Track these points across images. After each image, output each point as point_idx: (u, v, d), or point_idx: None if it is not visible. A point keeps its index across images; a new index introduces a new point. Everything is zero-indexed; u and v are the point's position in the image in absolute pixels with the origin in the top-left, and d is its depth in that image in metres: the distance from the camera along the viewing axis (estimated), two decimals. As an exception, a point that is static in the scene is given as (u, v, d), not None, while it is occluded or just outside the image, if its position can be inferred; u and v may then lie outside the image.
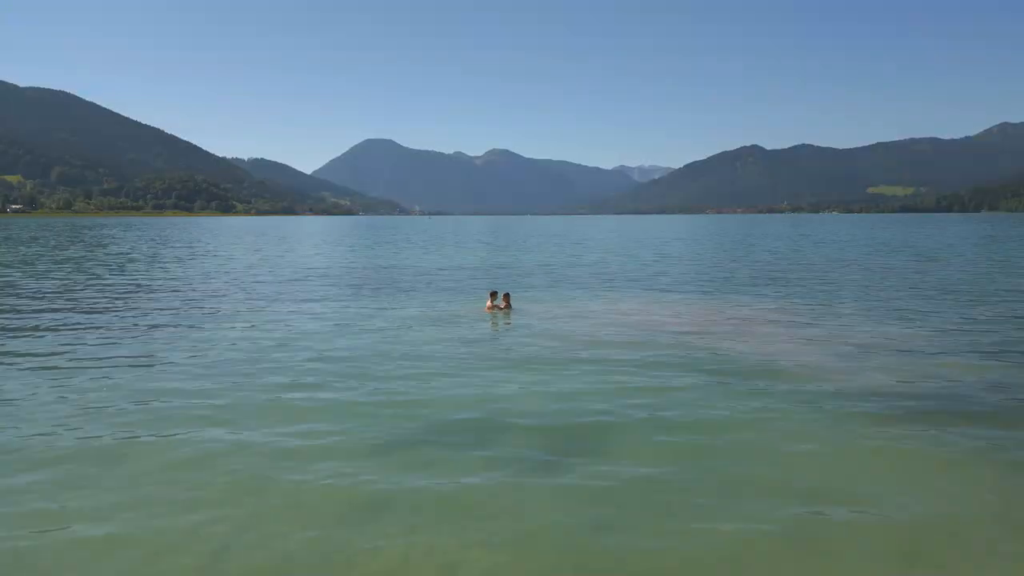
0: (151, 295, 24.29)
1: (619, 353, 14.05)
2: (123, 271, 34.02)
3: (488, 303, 19.32)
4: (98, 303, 22.26)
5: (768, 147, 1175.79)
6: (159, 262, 40.09)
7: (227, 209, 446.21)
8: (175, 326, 17.80)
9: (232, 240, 76.03)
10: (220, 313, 20.07)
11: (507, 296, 19.46)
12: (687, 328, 17.06)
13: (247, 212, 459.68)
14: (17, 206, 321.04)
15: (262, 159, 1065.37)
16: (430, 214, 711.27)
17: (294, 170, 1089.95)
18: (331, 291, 25.24)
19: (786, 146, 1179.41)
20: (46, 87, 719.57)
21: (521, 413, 10.20)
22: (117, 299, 23.18)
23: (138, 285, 27.73)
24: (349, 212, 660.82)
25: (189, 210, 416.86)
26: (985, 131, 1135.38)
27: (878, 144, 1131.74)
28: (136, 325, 18.07)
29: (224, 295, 24.09)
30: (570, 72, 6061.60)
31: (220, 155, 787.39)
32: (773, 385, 11.71)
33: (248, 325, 17.73)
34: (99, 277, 30.85)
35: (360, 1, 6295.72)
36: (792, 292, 24.98)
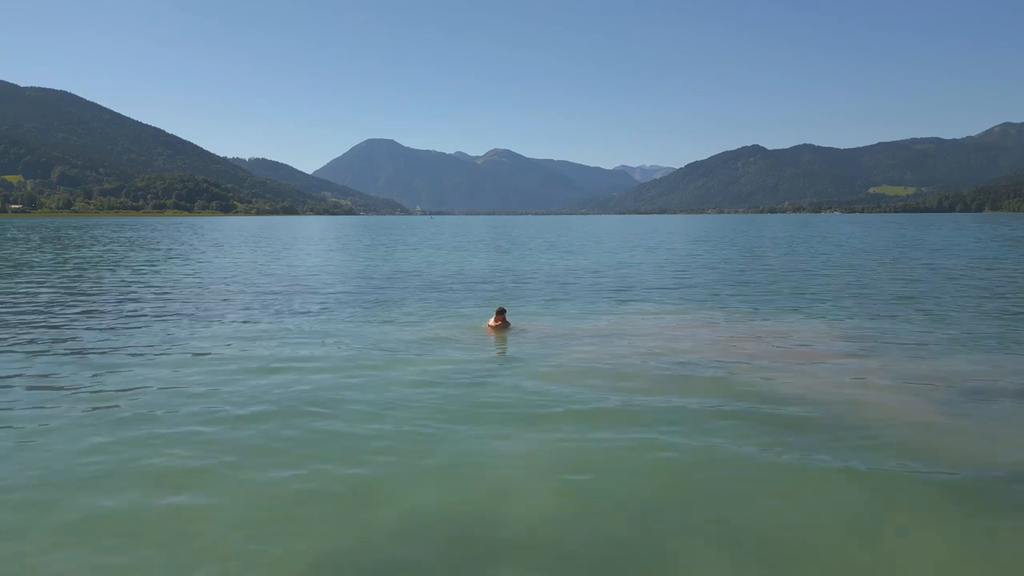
0: (85, 308, 20.28)
1: (652, 399, 10.48)
2: (80, 277, 30.08)
3: (492, 321, 16.30)
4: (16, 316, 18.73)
5: (769, 147, 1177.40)
6: (127, 266, 35.78)
7: (227, 209, 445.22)
8: (90, 352, 13.97)
9: (222, 240, 72.53)
10: (159, 336, 15.90)
11: (500, 313, 16.31)
12: (728, 356, 13.49)
13: (248, 212, 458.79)
14: (17, 206, 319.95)
15: (263, 159, 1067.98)
16: (432, 214, 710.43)
17: (295, 170, 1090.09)
18: (309, 305, 20.89)
19: (787, 146, 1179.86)
20: (47, 87, 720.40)
21: (525, 521, 6.60)
22: (40, 312, 19.53)
23: (79, 293, 24.04)
24: (350, 212, 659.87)
25: (189, 210, 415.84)
26: (987, 131, 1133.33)
27: (880, 144, 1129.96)
28: (33, 348, 14.28)
29: (177, 310, 20.08)
30: (572, 72, 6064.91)
31: (221, 155, 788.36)
32: (864, 457, 8.21)
33: (184, 355, 13.64)
34: (42, 284, 26.92)
35: (362, 1, 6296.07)
36: (848, 306, 20.51)
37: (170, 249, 54.46)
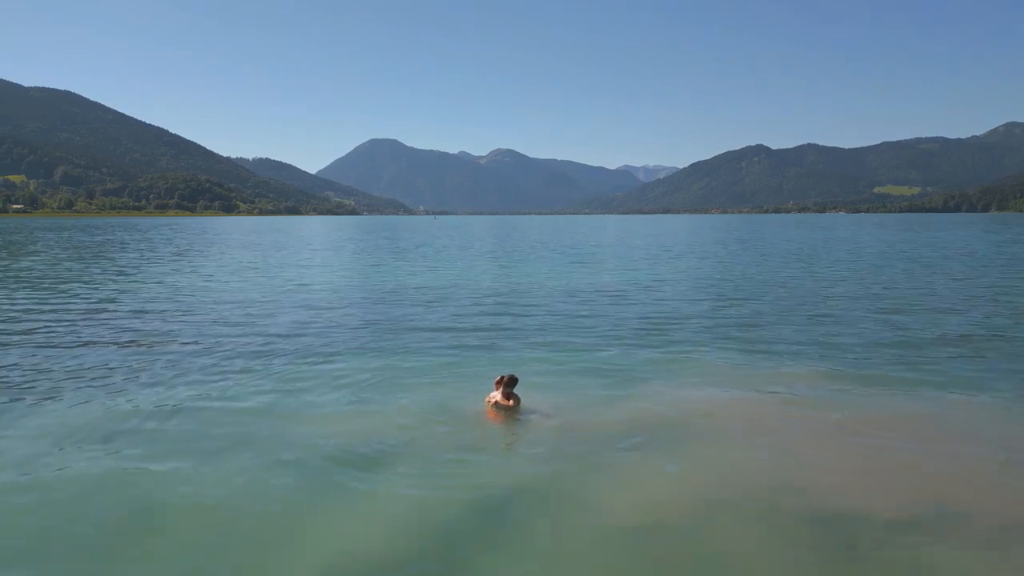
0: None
1: (742, 561, 6.06)
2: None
3: (492, 396, 10.28)
4: None
5: (774, 147, 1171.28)
6: (76, 279, 29.71)
7: (230, 209, 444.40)
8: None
9: (210, 242, 68.72)
10: (65, 386, 11.53)
11: (506, 382, 10.16)
12: (842, 472, 7.97)
13: (250, 212, 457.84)
14: (19, 206, 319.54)
15: (267, 159, 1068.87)
16: (436, 214, 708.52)
17: (299, 170, 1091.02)
18: (238, 356, 14.06)
19: (791, 145, 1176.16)
20: (50, 87, 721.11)
21: None
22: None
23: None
24: (353, 212, 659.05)
25: (191, 210, 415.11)
26: (992, 130, 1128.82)
27: (884, 144, 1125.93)
28: None
29: (110, 343, 15.40)
30: (575, 72, 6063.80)
31: (225, 155, 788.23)
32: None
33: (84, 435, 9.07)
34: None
35: (366, 1, 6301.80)
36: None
37: (122, 255, 46.57)
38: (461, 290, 25.79)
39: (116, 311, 20.49)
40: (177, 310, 20.75)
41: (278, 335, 16.31)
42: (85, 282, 28.69)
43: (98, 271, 33.96)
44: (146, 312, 20.28)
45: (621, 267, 37.14)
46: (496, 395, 10.27)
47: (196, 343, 15.42)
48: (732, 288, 26.17)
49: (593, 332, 16.60)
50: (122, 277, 31.18)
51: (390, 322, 18.27)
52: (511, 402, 10.18)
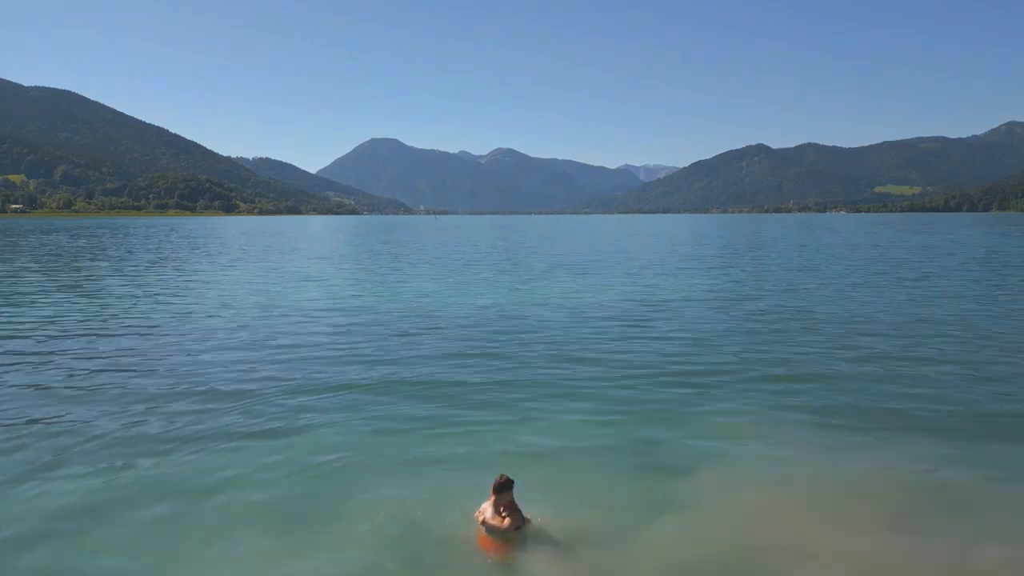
0: None
1: None
2: None
3: (482, 511, 7.16)
4: None
5: (774, 146, 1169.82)
6: (25, 293, 27.38)
7: (230, 209, 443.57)
8: None
9: (194, 246, 64.67)
10: None
11: (496, 487, 6.99)
12: None
13: (250, 211, 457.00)
14: (17, 206, 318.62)
15: (267, 158, 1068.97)
16: (436, 214, 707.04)
17: (299, 169, 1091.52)
18: (180, 412, 11.18)
19: (792, 145, 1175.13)
20: (50, 86, 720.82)
21: None
22: None
23: None
24: (354, 212, 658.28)
25: (191, 210, 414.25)
26: (992, 130, 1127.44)
27: (885, 143, 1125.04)
28: None
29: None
30: (575, 72, 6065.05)
31: (225, 155, 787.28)
32: None
33: None
34: None
35: (365, 1, 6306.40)
36: None
37: (93, 264, 42.01)
38: (456, 322, 20.11)
39: (40, 333, 18.17)
40: (98, 333, 17.95)
41: (208, 391, 12.40)
42: (29, 298, 25.71)
43: (52, 286, 30.39)
44: (65, 336, 17.82)
45: (651, 281, 31.49)
46: (487, 510, 6.97)
47: (92, 395, 12.02)
48: (754, 324, 19.78)
49: (614, 382, 13.00)
50: (71, 291, 28.00)
51: (360, 369, 14.09)
52: (505, 521, 6.80)
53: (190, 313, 22.27)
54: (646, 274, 35.89)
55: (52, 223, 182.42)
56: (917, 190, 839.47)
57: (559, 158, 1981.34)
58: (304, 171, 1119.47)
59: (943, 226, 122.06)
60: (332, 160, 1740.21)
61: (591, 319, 20.76)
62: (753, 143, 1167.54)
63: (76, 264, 42.65)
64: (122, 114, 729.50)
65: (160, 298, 26.15)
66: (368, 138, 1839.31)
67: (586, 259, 47.14)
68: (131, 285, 30.57)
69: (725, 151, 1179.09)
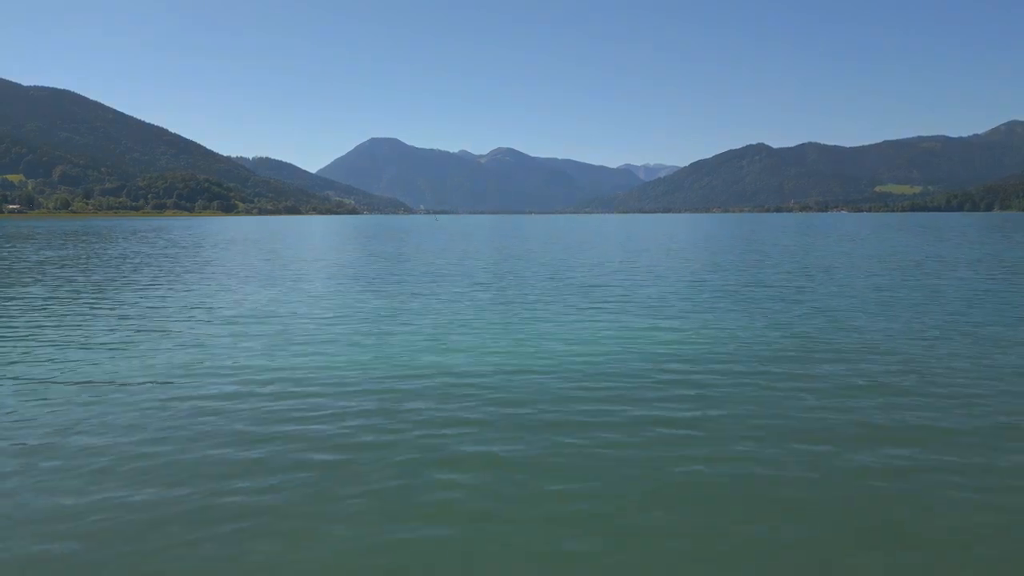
0: None
1: None
2: None
3: None
4: None
5: (775, 145, 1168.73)
6: None
7: (229, 209, 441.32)
8: None
9: (173, 260, 57.68)
10: None
11: None
12: None
13: (249, 211, 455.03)
14: (15, 206, 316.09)
15: (267, 158, 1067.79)
16: (436, 213, 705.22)
17: (299, 169, 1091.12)
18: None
19: (793, 144, 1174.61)
20: (49, 86, 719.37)
21: None
22: None
23: None
24: (353, 212, 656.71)
25: (190, 210, 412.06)
26: (993, 129, 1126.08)
27: (885, 142, 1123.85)
28: None
29: None
30: (576, 71, 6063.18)
31: (225, 154, 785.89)
32: None
33: None
34: None
35: (365, 1, 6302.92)
36: None
37: (69, 283, 26.01)
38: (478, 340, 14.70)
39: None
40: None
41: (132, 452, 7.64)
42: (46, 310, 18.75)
43: None
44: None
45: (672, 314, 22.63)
46: None
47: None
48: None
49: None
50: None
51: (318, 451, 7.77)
52: None
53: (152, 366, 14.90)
54: (719, 303, 21.05)
55: (50, 224, 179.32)
56: (918, 189, 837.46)
57: (559, 157, 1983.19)
58: (304, 171, 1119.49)
59: (959, 229, 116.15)
60: (332, 160, 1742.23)
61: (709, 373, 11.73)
62: (753, 142, 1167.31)
63: (53, 283, 28.44)
64: (121, 114, 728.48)
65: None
66: (368, 138, 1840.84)
67: (624, 277, 26.99)
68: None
69: (725, 150, 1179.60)
